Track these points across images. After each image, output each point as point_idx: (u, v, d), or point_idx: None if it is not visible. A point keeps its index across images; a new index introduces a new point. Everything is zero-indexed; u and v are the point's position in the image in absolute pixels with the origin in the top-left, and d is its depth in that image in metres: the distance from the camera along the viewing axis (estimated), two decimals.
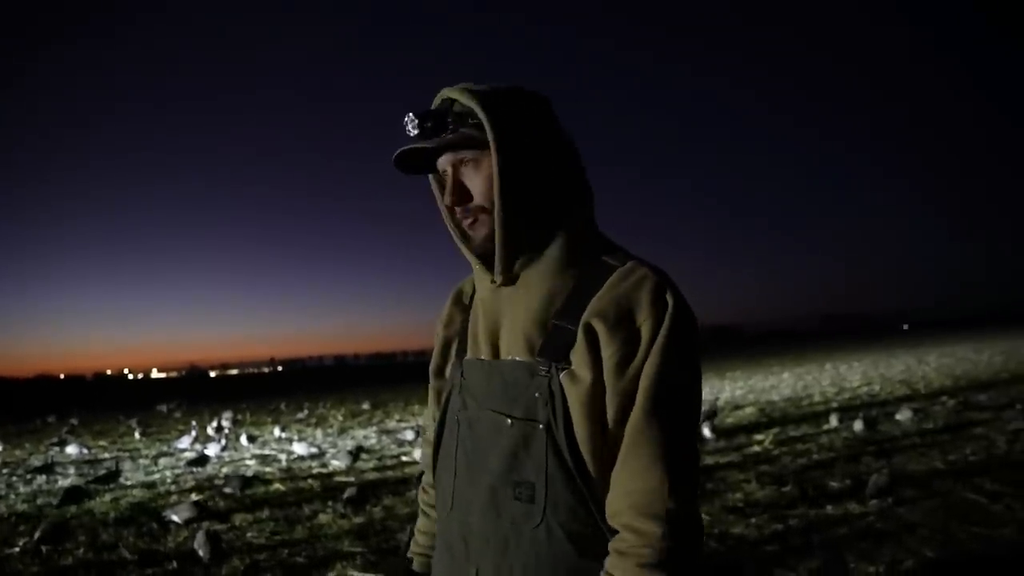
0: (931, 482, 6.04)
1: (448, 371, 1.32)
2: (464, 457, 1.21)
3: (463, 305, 1.35)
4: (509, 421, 1.14)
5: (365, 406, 19.83)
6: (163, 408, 24.39)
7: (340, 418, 17.22)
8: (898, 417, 9.81)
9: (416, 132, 1.15)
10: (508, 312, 1.19)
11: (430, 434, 1.36)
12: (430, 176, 1.26)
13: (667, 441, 1.05)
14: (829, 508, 5.41)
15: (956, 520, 4.94)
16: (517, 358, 1.15)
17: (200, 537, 4.90)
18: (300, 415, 18.47)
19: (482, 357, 1.22)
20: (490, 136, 1.11)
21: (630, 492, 1.05)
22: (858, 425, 8.96)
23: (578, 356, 1.09)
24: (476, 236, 1.18)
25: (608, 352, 1.08)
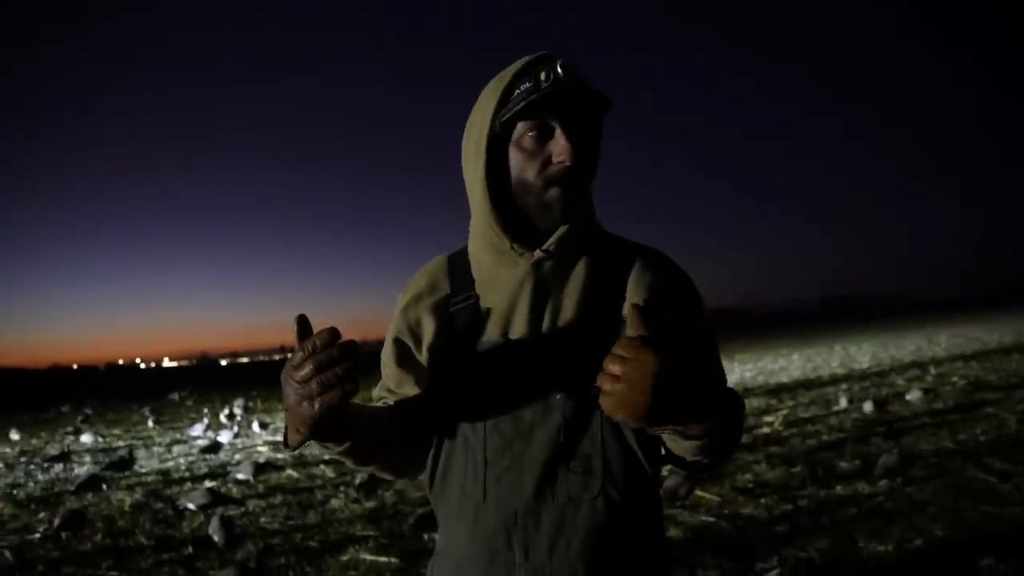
0: (941, 462, 6.04)
1: (447, 356, 1.22)
2: (499, 442, 1.13)
3: (448, 289, 1.25)
4: (559, 396, 1.11)
5: (374, 391, 19.91)
6: (175, 396, 24.64)
7: None
8: (908, 398, 9.79)
9: (561, 75, 1.09)
10: (546, 287, 1.17)
11: (390, 400, 1.29)
12: (520, 123, 1.14)
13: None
14: (839, 488, 5.42)
15: (965, 499, 4.94)
16: (565, 332, 1.14)
17: (215, 523, 4.97)
18: None
19: (511, 336, 1.16)
20: (609, 105, 1.14)
21: None
22: (868, 406, 8.96)
23: (624, 326, 1.05)
24: (563, 203, 1.14)
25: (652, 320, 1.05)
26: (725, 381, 1.19)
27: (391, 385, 1.29)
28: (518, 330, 1.16)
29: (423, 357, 1.26)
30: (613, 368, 0.90)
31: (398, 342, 1.27)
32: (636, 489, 1.12)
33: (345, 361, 0.92)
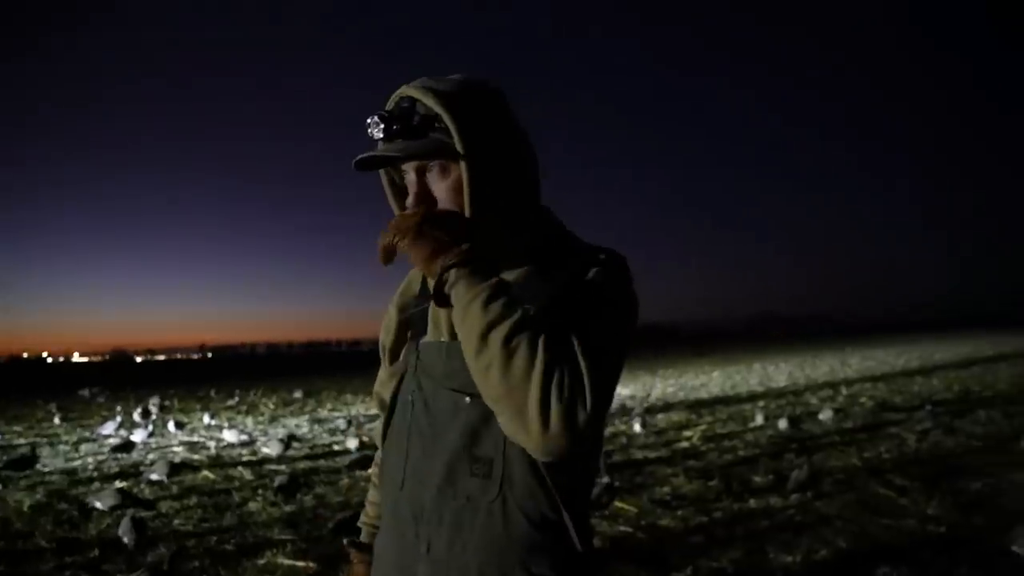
0: (847, 478, 6.35)
1: (403, 354, 1.33)
2: (418, 437, 1.22)
3: (416, 292, 1.35)
4: (468, 399, 1.15)
5: (297, 395, 19.49)
6: (85, 393, 23.44)
7: (272, 406, 16.90)
8: (820, 416, 10.24)
9: (381, 136, 1.13)
10: None
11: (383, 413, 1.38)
12: (381, 171, 1.25)
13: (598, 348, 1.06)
14: (752, 502, 5.63)
15: (868, 513, 5.22)
16: None
17: (125, 523, 4.77)
18: (230, 402, 18.05)
19: (443, 339, 1.23)
20: (459, 146, 1.11)
21: None
22: (783, 423, 9.32)
23: None
24: None
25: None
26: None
27: (379, 378, 1.42)
28: (445, 332, 1.23)
29: (387, 353, 1.39)
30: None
31: (387, 351, 1.40)
32: (536, 502, 1.13)
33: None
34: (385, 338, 1.39)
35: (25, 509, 6.18)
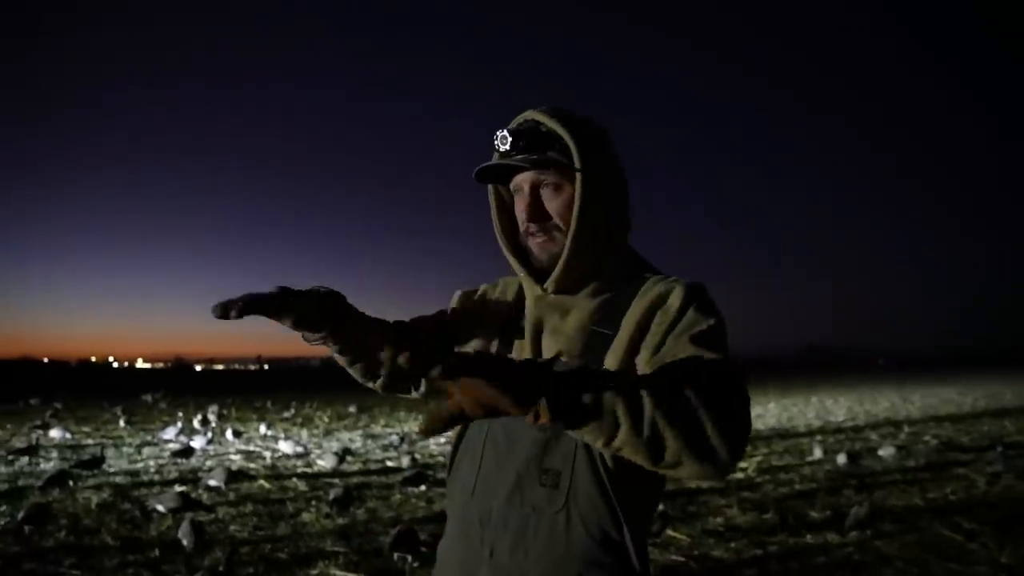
0: (910, 518, 6.11)
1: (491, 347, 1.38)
2: (493, 447, 1.28)
3: (510, 301, 1.41)
4: None
5: (352, 409, 19.78)
6: (148, 398, 24.31)
7: (326, 419, 17.19)
8: (881, 453, 9.89)
9: (506, 148, 1.24)
10: (552, 318, 1.30)
11: None
12: (490, 188, 1.36)
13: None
14: (808, 537, 5.47)
15: (933, 555, 5.01)
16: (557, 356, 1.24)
17: (185, 527, 4.92)
18: (286, 414, 18.43)
19: (522, 354, 1.31)
20: (577, 163, 1.22)
21: None
22: (841, 458, 9.04)
23: (612, 357, 1.21)
24: (545, 252, 1.28)
25: (645, 343, 1.19)
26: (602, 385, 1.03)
27: (450, 306, 1.45)
28: (527, 350, 1.30)
29: (484, 324, 1.41)
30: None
31: (483, 293, 1.45)
32: (600, 517, 1.18)
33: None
34: (468, 301, 1.45)
35: (93, 507, 6.43)
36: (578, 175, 1.22)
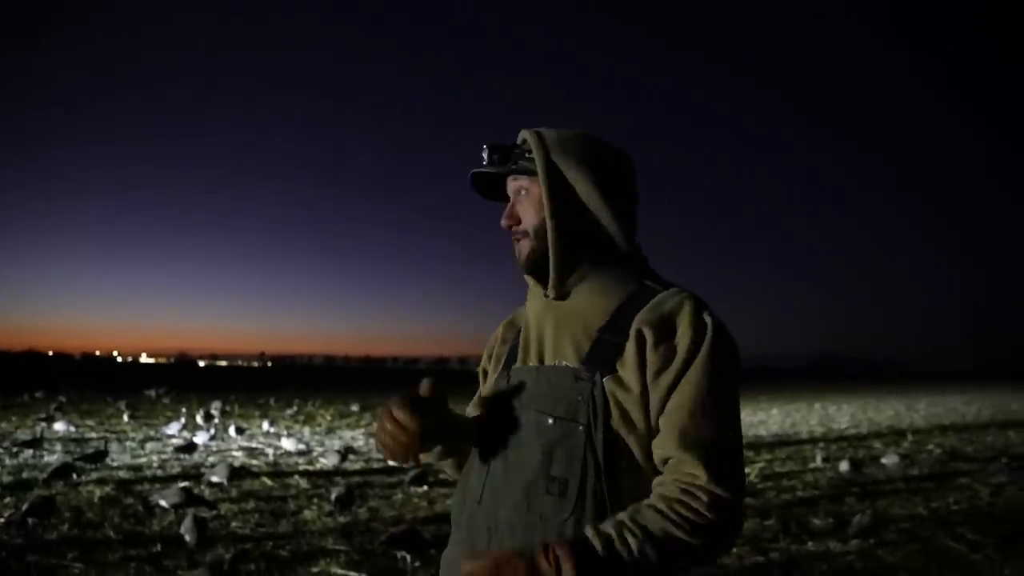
0: (913, 527, 6.09)
1: (494, 378, 1.42)
2: (502, 455, 1.29)
3: (516, 325, 1.45)
4: (551, 420, 1.22)
5: (354, 408, 19.81)
6: (151, 393, 24.37)
7: (328, 418, 17.22)
8: (884, 461, 9.86)
9: (485, 160, 1.33)
10: (557, 323, 1.32)
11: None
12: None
13: (712, 438, 1.16)
14: (810, 544, 5.45)
15: (935, 565, 4.99)
16: (564, 363, 1.26)
17: (187, 522, 4.93)
18: (289, 411, 18.46)
19: (530, 363, 1.33)
20: (538, 162, 1.28)
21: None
22: (844, 466, 9.02)
23: (621, 365, 1.21)
24: (519, 255, 1.34)
25: (651, 361, 1.19)
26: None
27: (473, 400, 1.50)
28: (533, 358, 1.32)
29: (484, 378, 1.50)
30: None
31: (500, 333, 1.51)
32: None
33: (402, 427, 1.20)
34: (486, 363, 1.49)
35: (96, 500, 6.46)
36: (539, 173, 1.27)
